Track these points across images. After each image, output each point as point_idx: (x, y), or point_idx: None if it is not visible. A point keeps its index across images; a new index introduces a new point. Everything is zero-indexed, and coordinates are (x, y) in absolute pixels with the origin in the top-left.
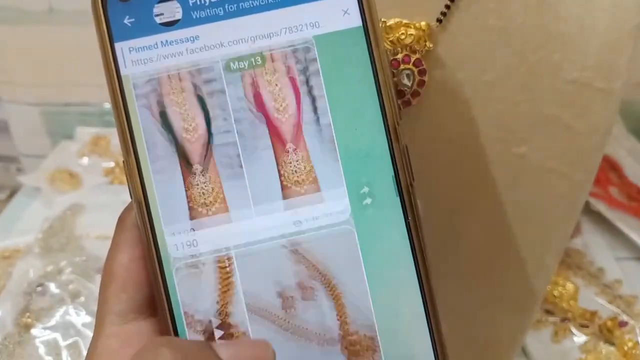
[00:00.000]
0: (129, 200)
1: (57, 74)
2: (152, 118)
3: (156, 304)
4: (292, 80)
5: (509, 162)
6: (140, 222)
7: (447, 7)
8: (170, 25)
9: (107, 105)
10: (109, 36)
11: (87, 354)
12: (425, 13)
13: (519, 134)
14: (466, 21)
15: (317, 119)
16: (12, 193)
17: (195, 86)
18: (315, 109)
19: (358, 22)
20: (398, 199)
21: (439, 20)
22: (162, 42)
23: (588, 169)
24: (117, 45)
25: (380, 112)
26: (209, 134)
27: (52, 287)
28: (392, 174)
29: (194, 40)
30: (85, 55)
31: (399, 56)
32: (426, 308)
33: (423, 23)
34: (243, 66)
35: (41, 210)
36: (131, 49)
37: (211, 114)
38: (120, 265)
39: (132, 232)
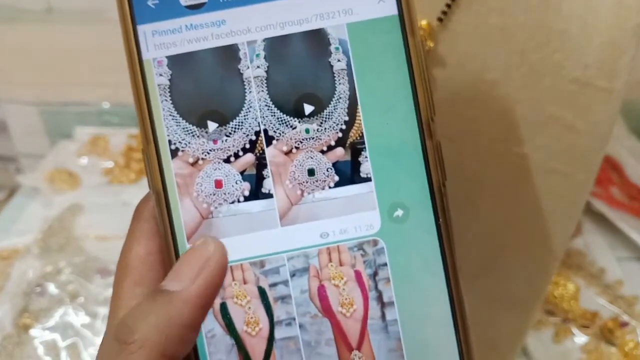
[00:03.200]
0: (128, 200)
1: (56, 73)
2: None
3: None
4: (360, 279)
5: (510, 161)
6: (159, 213)
7: (448, 6)
8: (196, 8)
9: (106, 105)
10: (132, 18)
11: (100, 348)
12: (426, 12)
13: (520, 133)
14: (467, 20)
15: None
16: (11, 193)
17: None
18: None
19: (394, 10)
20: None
21: (440, 19)
22: (186, 25)
23: (589, 168)
24: (140, 28)
25: (413, 106)
26: None
27: (51, 288)
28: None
29: (220, 24)
30: (85, 54)
31: None
32: (455, 318)
33: (424, 22)
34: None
35: (40, 210)
36: (154, 32)
37: None
38: (136, 258)
39: (149, 224)
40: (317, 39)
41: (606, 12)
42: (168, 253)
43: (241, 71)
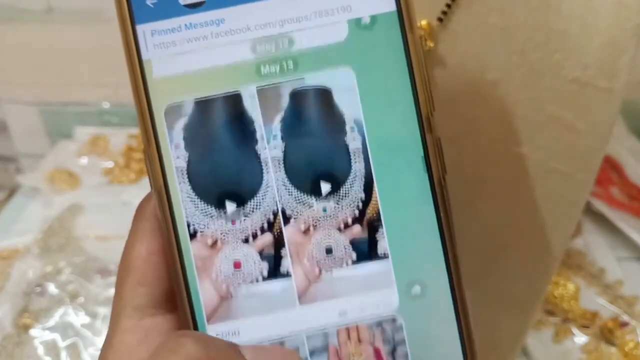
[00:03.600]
0: (129, 200)
1: (56, 73)
2: None
3: (176, 298)
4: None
5: (509, 161)
6: (161, 212)
7: (448, 5)
8: (195, 7)
9: (106, 105)
10: (130, 18)
11: (102, 349)
12: (426, 12)
13: (520, 133)
14: (467, 20)
15: None
16: (11, 193)
17: None
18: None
19: (392, 6)
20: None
21: (440, 19)
22: (185, 24)
23: (589, 168)
24: (139, 28)
25: (413, 101)
26: None
27: (51, 288)
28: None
29: (219, 23)
30: (85, 54)
31: None
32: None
33: (424, 22)
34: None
35: (40, 210)
36: (153, 31)
37: None
38: (139, 257)
39: (152, 223)
40: (333, 119)
41: (606, 12)
42: (170, 253)
43: (259, 152)
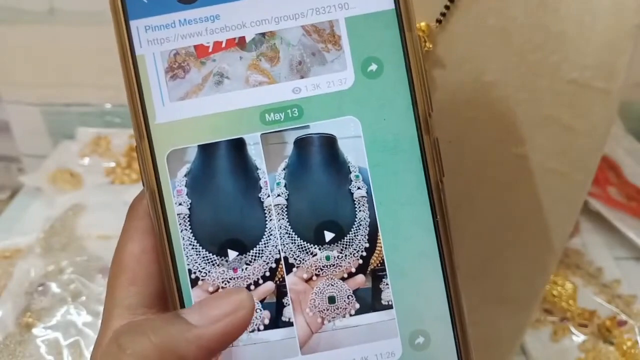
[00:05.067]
0: (130, 200)
1: (58, 74)
2: None
3: (167, 298)
4: None
5: (508, 162)
6: (153, 212)
7: (447, 7)
8: (190, 2)
9: (108, 106)
10: (124, 14)
11: (94, 347)
12: (424, 13)
13: (519, 134)
14: (466, 21)
15: None
16: (14, 193)
17: None
18: None
19: (390, 4)
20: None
21: (439, 21)
22: (179, 20)
23: (587, 168)
24: (133, 24)
25: (411, 102)
26: None
27: (53, 287)
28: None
29: (214, 19)
30: (87, 55)
31: None
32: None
33: (422, 23)
34: None
35: (42, 210)
36: (147, 27)
37: None
38: (131, 256)
39: (144, 221)
40: (338, 167)
41: (604, 13)
42: (162, 252)
43: (262, 199)
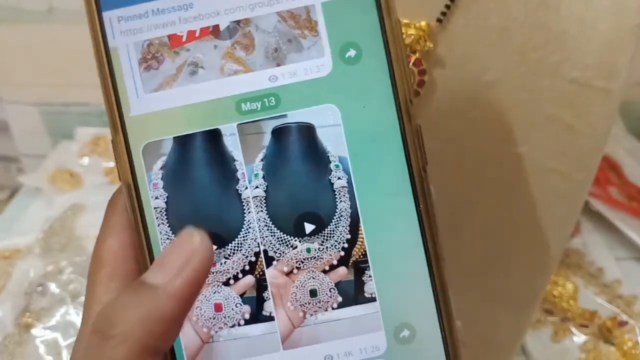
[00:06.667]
0: None
1: (57, 73)
2: None
3: None
4: None
5: (509, 161)
6: (130, 207)
7: (447, 6)
8: None
9: None
10: (97, 5)
11: (76, 342)
12: (425, 13)
13: (519, 133)
14: (466, 21)
15: None
16: (13, 193)
17: None
18: None
19: None
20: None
21: (439, 20)
22: (152, 10)
23: (588, 168)
24: (105, 15)
25: (391, 89)
26: None
27: (53, 287)
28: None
29: (187, 8)
30: (86, 55)
31: None
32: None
33: (423, 23)
34: None
35: (41, 210)
36: (120, 18)
37: None
38: (109, 251)
39: (122, 217)
40: (317, 157)
41: (605, 13)
42: (140, 247)
43: (240, 192)
